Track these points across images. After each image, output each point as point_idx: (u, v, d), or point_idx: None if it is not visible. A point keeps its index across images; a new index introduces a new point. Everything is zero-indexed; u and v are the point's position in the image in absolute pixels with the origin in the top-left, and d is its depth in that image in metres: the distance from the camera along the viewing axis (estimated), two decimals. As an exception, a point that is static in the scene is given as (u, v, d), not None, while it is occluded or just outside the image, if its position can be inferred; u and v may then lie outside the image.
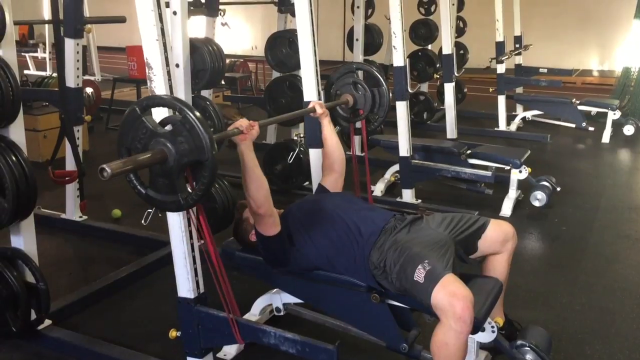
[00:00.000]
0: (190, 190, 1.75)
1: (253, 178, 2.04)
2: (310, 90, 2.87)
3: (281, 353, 2.10)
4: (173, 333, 2.23)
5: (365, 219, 2.23)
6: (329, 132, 2.62)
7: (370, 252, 2.13)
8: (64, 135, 3.42)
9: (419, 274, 1.94)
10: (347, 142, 4.62)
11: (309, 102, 2.87)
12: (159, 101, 1.80)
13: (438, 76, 6.76)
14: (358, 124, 3.01)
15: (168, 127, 1.74)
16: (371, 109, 2.84)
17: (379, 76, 2.84)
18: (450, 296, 1.86)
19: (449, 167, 4.22)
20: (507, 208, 4.15)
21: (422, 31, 6.78)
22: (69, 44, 3.45)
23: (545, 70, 7.69)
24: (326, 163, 2.61)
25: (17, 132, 2.35)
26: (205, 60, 3.07)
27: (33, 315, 2.44)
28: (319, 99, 2.85)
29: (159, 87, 2.00)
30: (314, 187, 2.97)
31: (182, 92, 2.92)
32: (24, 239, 2.45)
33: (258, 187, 2.05)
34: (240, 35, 13.95)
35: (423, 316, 2.21)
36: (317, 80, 2.87)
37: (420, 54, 6.75)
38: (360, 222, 2.22)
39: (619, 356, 2.52)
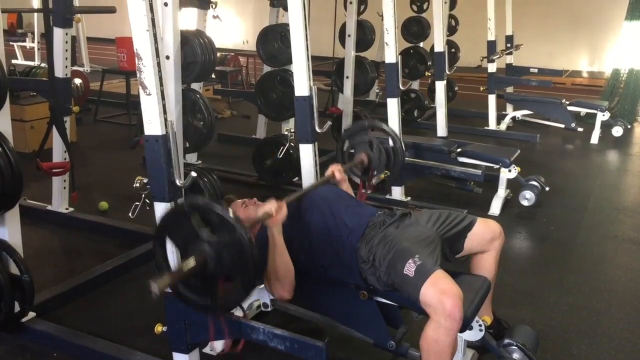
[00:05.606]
0: (220, 296, 1.74)
1: (283, 262, 2.07)
2: (302, 85, 2.85)
3: (268, 349, 2.08)
4: (159, 328, 2.21)
5: (352, 214, 2.23)
6: None
7: (357, 246, 2.13)
8: (52, 126, 3.38)
9: (409, 268, 1.94)
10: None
11: (300, 97, 2.85)
12: (212, 211, 1.71)
13: (429, 74, 6.77)
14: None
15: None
16: (386, 165, 2.85)
17: (394, 134, 2.89)
18: (440, 293, 1.86)
19: (439, 165, 4.23)
20: (495, 207, 4.17)
21: (414, 28, 6.77)
22: (58, 34, 3.40)
23: (536, 70, 7.71)
24: None
25: (2, 121, 2.31)
26: (196, 53, 3.03)
27: (17, 308, 2.41)
28: (311, 94, 2.83)
29: (148, 78, 1.98)
30: (304, 182, 2.96)
31: (172, 84, 2.88)
32: (9, 230, 2.42)
33: (286, 270, 2.09)
34: (232, 28, 13.90)
35: (411, 314, 2.20)
36: (309, 75, 2.85)
37: (412, 51, 6.74)
38: (347, 216, 2.22)
39: (605, 356, 2.53)
